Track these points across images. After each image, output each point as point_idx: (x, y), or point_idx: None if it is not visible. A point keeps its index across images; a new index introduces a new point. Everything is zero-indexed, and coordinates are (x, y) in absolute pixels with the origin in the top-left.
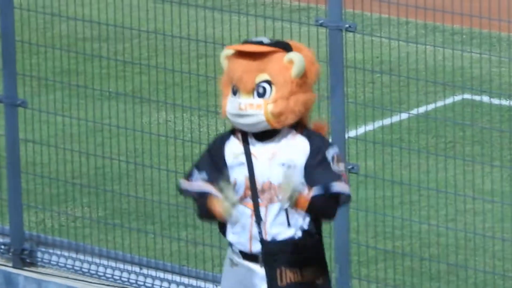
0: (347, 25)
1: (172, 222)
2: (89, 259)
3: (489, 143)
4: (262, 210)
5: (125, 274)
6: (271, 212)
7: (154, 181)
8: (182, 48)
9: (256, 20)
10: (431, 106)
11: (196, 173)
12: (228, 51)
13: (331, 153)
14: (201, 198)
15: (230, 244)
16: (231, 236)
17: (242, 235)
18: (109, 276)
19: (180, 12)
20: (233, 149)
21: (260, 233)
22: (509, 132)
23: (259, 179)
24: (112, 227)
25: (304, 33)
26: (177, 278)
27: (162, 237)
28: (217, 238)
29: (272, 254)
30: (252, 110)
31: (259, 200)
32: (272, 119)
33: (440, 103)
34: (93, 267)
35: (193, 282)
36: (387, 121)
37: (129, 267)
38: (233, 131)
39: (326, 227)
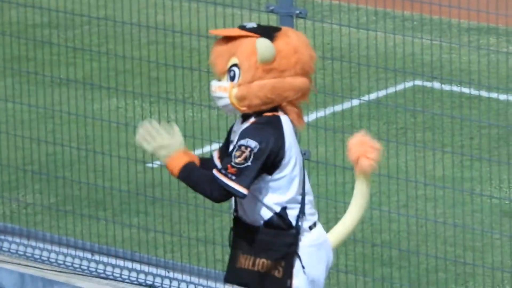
0: (297, 12)
1: (124, 208)
2: (41, 245)
3: (440, 129)
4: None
5: (76, 260)
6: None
7: (106, 167)
8: (133, 35)
9: (207, 6)
10: (382, 93)
11: None
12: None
13: (242, 141)
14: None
15: None
16: None
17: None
18: (61, 262)
19: None
20: (236, 126)
21: (233, 211)
22: (460, 118)
23: None
24: (64, 214)
25: (254, 20)
26: (129, 264)
27: (114, 224)
28: (168, 224)
29: (236, 233)
30: (220, 92)
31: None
32: (236, 103)
33: (391, 90)
34: (45, 253)
35: (145, 268)
36: (338, 108)
37: (80, 253)
38: None
39: None
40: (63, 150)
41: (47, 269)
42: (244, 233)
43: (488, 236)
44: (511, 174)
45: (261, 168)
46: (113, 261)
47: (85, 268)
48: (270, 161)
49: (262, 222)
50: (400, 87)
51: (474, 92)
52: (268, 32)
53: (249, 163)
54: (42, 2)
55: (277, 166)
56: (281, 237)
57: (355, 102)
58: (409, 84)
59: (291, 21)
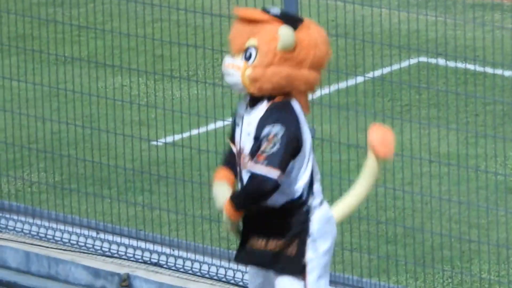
0: None
1: (129, 186)
2: (46, 224)
3: (445, 106)
4: (242, 173)
5: (81, 239)
6: (246, 177)
7: (110, 145)
8: (137, 13)
9: None
10: (386, 70)
11: None
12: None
13: (266, 131)
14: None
15: None
16: None
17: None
18: (66, 241)
19: None
20: (240, 108)
21: None
22: (464, 95)
23: (239, 144)
24: (69, 192)
25: None
26: (134, 242)
27: (119, 202)
28: (173, 202)
29: (247, 221)
30: (232, 69)
31: (240, 165)
32: (247, 83)
33: (395, 66)
34: (49, 232)
35: (150, 246)
36: (343, 85)
37: (85, 232)
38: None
39: None
40: (68, 129)
41: (52, 248)
42: (258, 216)
43: (493, 213)
44: None
45: (291, 153)
46: (118, 239)
47: (90, 246)
48: (295, 145)
49: (279, 204)
50: (404, 63)
51: (479, 68)
52: (292, 21)
53: (278, 146)
54: None
55: (299, 149)
56: (295, 216)
57: (360, 79)
58: (413, 60)
59: None
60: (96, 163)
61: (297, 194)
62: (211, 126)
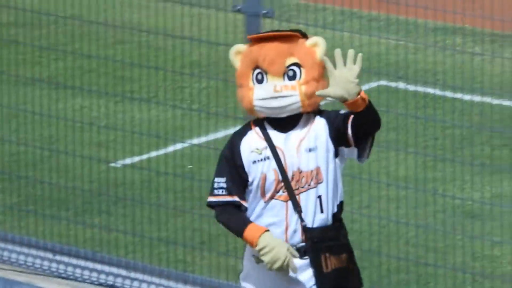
0: (264, 11)
1: (86, 208)
2: (2, 245)
3: (404, 129)
4: (299, 198)
5: (38, 261)
6: (306, 200)
7: (69, 167)
8: (99, 34)
9: (174, 5)
10: None
11: (217, 182)
12: (239, 46)
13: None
14: (238, 220)
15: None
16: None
17: (275, 229)
18: (22, 262)
19: None
20: (254, 144)
21: (301, 222)
22: (424, 119)
23: (289, 170)
24: (26, 214)
25: (221, 19)
26: (90, 264)
27: (76, 224)
28: (131, 224)
29: (317, 242)
30: (287, 91)
31: (294, 190)
32: (306, 100)
33: None
34: (5, 253)
35: (106, 268)
36: None
37: (42, 254)
38: (249, 127)
39: None
40: (27, 150)
41: (8, 269)
42: (326, 234)
43: (450, 237)
44: (474, 175)
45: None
46: (74, 261)
47: (46, 268)
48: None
49: (332, 217)
50: (365, 87)
51: (439, 92)
52: (302, 33)
53: None
54: (9, 0)
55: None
56: (342, 229)
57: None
58: (374, 84)
59: (258, 21)
60: (54, 185)
61: (340, 199)
62: (170, 148)
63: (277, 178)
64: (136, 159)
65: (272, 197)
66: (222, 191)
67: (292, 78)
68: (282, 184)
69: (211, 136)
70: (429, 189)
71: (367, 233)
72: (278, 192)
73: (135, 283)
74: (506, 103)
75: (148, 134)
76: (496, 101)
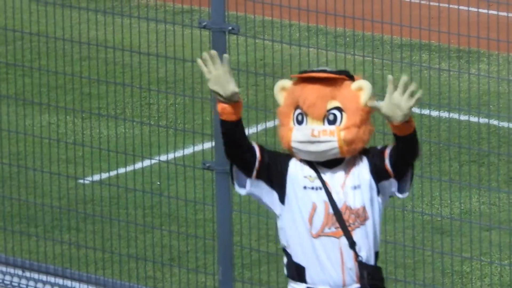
0: (230, 28)
1: (56, 224)
2: None
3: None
4: (353, 233)
5: (7, 277)
6: (358, 236)
7: (37, 183)
8: (66, 51)
9: (139, 22)
10: None
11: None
12: (283, 82)
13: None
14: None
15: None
16: (319, 274)
17: (330, 268)
18: None
19: (63, 15)
20: (304, 170)
21: (357, 257)
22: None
23: (339, 205)
24: None
25: (187, 36)
26: (60, 280)
27: (45, 240)
28: (100, 241)
29: (374, 278)
30: (325, 136)
31: (346, 225)
32: (344, 146)
33: None
34: None
35: (76, 284)
36: (270, 124)
37: (11, 270)
38: (292, 156)
39: (210, 230)
40: None
41: None
42: (380, 271)
43: (420, 253)
44: (442, 191)
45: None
46: (44, 277)
47: (16, 284)
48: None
49: (374, 256)
50: None
51: None
52: (348, 74)
53: None
54: None
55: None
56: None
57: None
58: None
59: (224, 37)
60: (23, 201)
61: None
62: (139, 165)
63: (327, 210)
64: (104, 175)
65: (322, 232)
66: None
67: (333, 122)
68: (333, 218)
69: (179, 153)
70: (398, 205)
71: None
72: (328, 226)
73: None
74: (473, 119)
75: (116, 150)
76: (463, 117)
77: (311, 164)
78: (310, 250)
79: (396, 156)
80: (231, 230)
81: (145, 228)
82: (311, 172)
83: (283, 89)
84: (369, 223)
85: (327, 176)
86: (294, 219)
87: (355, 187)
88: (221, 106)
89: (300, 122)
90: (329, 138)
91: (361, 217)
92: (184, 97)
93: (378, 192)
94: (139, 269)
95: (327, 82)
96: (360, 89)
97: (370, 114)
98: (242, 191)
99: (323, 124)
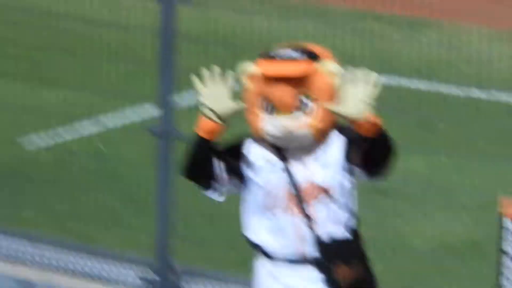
0: None
1: None
2: None
3: None
4: (311, 212)
5: None
6: (318, 213)
7: None
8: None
9: None
10: None
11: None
12: (252, 68)
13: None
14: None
15: (267, 255)
16: (278, 248)
17: (287, 242)
18: None
19: None
20: (261, 152)
21: (313, 233)
22: None
23: (301, 183)
24: None
25: (138, 5)
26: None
27: None
28: (42, 202)
29: (331, 253)
30: (300, 130)
31: (305, 203)
32: (316, 134)
33: None
34: None
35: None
36: None
37: None
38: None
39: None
40: None
41: None
42: (340, 246)
43: (361, 214)
44: None
45: None
46: None
47: None
48: None
49: (346, 229)
50: None
51: None
52: (314, 55)
53: None
54: None
55: None
56: (359, 240)
57: None
58: None
59: (171, 8)
60: None
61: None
62: (81, 129)
63: (288, 191)
64: (47, 139)
65: (282, 208)
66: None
67: (303, 110)
68: (294, 197)
69: (122, 118)
70: None
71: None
72: (289, 204)
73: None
74: (423, 86)
75: (59, 115)
76: (413, 84)
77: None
78: (271, 225)
79: (370, 160)
80: (170, 188)
81: (87, 189)
82: (266, 153)
83: (250, 76)
84: (334, 200)
85: (292, 154)
86: (255, 195)
87: (323, 164)
88: (209, 125)
89: (269, 112)
90: (303, 131)
91: (325, 194)
92: (130, 64)
93: (348, 171)
94: (81, 227)
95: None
96: (329, 74)
97: (335, 93)
98: (220, 198)
99: (293, 113)
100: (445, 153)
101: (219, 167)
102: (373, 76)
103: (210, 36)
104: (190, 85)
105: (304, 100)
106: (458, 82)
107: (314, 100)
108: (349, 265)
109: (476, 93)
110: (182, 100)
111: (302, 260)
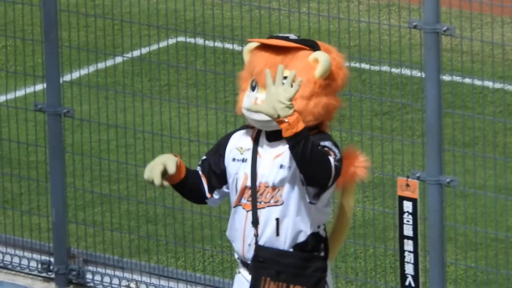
0: None
1: None
2: None
3: (204, 85)
4: (259, 212)
5: None
6: (265, 215)
7: None
8: None
9: None
10: (145, 50)
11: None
12: (252, 44)
13: (322, 144)
14: None
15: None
16: (233, 243)
17: (237, 240)
18: None
19: None
20: (241, 143)
21: (255, 236)
22: (223, 74)
23: (258, 179)
24: None
25: None
26: None
27: None
28: None
29: (262, 261)
30: None
31: (258, 201)
32: (288, 118)
33: (154, 47)
34: None
35: None
36: (102, 65)
37: None
38: (250, 127)
39: (43, 172)
40: None
41: None
42: (275, 258)
43: None
44: None
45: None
46: None
47: None
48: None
49: (293, 246)
50: (163, 43)
51: (237, 47)
52: (313, 45)
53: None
54: None
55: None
56: (313, 261)
57: (119, 59)
58: (172, 40)
59: None
60: None
61: (316, 230)
62: None
63: (245, 183)
64: None
65: (238, 203)
66: (198, 163)
67: None
68: (249, 191)
69: (11, 95)
70: None
71: (170, 189)
72: (242, 198)
73: None
74: None
75: None
76: None
77: (257, 136)
78: (231, 219)
79: (298, 165)
80: (63, 171)
81: None
82: (245, 144)
83: (250, 52)
84: (281, 208)
85: (264, 148)
86: (229, 189)
87: (281, 166)
88: (171, 180)
89: (253, 88)
90: None
91: (276, 197)
92: (15, 39)
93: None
94: None
95: (282, 51)
96: (316, 61)
97: (329, 88)
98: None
99: None
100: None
101: (203, 187)
102: (294, 76)
103: (89, 6)
104: (75, 60)
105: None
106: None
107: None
108: (279, 282)
109: None
110: (67, 75)
111: (245, 263)
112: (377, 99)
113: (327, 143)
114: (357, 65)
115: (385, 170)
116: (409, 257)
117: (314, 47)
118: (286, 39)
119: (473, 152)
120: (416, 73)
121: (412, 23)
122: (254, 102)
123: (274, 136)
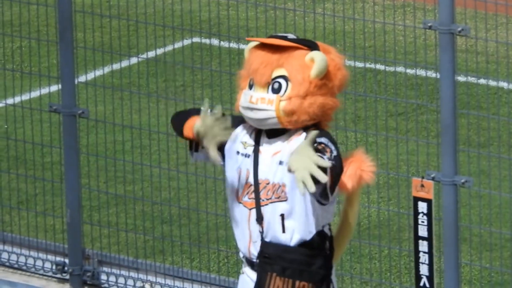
0: None
1: None
2: None
3: (219, 86)
4: (263, 209)
5: None
6: (269, 212)
7: None
8: None
9: None
10: (160, 50)
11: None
12: (252, 43)
13: (318, 140)
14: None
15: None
16: (237, 242)
17: (241, 238)
18: None
19: None
20: (245, 137)
21: (261, 232)
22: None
23: (260, 177)
24: None
25: None
26: None
27: None
28: None
29: (268, 257)
30: (263, 104)
31: (261, 198)
32: (283, 117)
33: (169, 47)
34: None
35: None
36: (117, 66)
37: None
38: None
39: (58, 173)
40: None
41: None
42: (281, 254)
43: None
44: None
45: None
46: None
47: None
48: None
49: (299, 242)
50: (178, 44)
51: None
52: (312, 45)
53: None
54: None
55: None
56: (318, 258)
57: (134, 60)
58: (187, 41)
59: None
60: None
61: (321, 228)
62: None
63: (248, 180)
64: None
65: (241, 200)
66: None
67: (277, 91)
68: (251, 188)
69: (26, 96)
70: None
71: (185, 190)
72: (244, 195)
73: None
74: None
75: None
76: None
77: (259, 131)
78: (234, 216)
79: None
80: (78, 172)
81: None
82: (248, 139)
83: (249, 50)
84: (285, 204)
85: (264, 146)
86: (227, 182)
87: (280, 163)
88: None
89: (251, 87)
90: (266, 106)
91: (276, 194)
92: (30, 40)
93: None
94: None
95: (278, 50)
96: (312, 61)
97: (325, 88)
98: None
99: (267, 92)
100: (349, 127)
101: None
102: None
103: (105, 7)
104: (90, 61)
105: (280, 81)
106: (354, 53)
107: (288, 81)
108: (284, 277)
109: None
110: (82, 76)
111: (250, 261)
112: (392, 100)
113: (323, 139)
114: (372, 65)
115: (400, 171)
116: (424, 257)
117: (312, 47)
118: (285, 38)
119: (488, 153)
120: (431, 74)
121: (427, 23)
122: (249, 100)
123: (273, 133)
